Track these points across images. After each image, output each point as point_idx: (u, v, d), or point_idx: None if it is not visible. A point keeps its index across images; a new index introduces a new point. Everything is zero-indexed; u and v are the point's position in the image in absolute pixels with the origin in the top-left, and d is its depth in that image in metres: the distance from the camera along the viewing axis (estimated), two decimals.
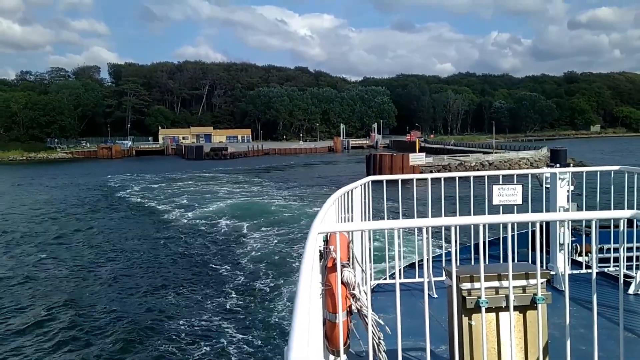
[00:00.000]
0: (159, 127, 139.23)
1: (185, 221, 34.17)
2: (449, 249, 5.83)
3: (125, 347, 14.12)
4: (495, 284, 3.49)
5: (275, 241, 26.89)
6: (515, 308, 3.47)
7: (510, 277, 3.35)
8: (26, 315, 16.83)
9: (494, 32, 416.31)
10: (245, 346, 13.79)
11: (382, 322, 3.58)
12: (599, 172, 7.05)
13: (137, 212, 39.36)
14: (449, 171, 55.27)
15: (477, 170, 57.78)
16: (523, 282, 3.52)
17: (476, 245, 6.36)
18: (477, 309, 3.44)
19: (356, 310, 3.49)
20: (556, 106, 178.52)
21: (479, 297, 3.40)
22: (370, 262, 5.60)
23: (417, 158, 56.16)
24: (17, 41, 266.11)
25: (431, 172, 54.31)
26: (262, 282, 19.90)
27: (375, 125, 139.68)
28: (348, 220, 5.32)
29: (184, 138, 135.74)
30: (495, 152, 65.80)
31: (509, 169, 57.54)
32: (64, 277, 21.57)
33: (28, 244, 28.35)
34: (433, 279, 5.98)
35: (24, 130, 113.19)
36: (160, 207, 40.99)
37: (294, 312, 2.22)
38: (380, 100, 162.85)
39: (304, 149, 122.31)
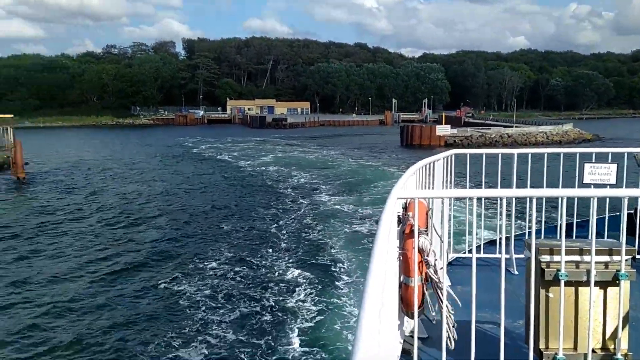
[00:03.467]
0: (227, 99, 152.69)
1: (248, 168, 45.82)
2: (538, 228, 6.08)
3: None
4: (577, 258, 3.37)
5: (318, 181, 37.35)
6: (596, 283, 3.31)
7: (593, 251, 3.22)
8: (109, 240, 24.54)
9: (573, 4, 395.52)
10: (314, 299, 14.38)
11: (452, 292, 3.68)
12: None
13: (208, 162, 51.46)
14: (470, 142, 63.99)
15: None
16: (606, 258, 3.35)
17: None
18: (555, 282, 3.34)
19: (431, 278, 3.65)
20: (615, 85, 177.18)
21: (559, 270, 3.30)
22: (448, 231, 5.61)
23: (442, 129, 65.04)
24: (95, 13, 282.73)
25: (454, 141, 63.18)
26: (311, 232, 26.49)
27: (425, 100, 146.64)
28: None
29: (249, 109, 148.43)
30: (516, 127, 73.08)
31: (526, 142, 65.17)
32: (149, 202, 33.52)
33: (125, 179, 40.81)
34: (515, 255, 5.79)
35: (114, 99, 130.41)
36: (227, 158, 53.17)
37: (368, 274, 2.28)
38: (434, 77, 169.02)
39: (356, 121, 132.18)
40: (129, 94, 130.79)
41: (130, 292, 15.26)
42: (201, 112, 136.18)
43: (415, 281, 3.50)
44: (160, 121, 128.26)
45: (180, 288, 15.50)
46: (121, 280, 16.38)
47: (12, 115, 50.81)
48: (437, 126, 65.48)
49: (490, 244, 6.74)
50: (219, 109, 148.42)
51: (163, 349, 11.69)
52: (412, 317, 3.59)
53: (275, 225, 23.78)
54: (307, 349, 11.91)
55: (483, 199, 5.20)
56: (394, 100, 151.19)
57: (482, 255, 6.08)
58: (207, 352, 11.64)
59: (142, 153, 59.53)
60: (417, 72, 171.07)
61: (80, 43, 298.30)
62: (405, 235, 3.55)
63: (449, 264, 5.90)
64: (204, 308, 14.04)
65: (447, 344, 3.49)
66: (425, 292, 3.79)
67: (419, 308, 3.57)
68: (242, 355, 11.55)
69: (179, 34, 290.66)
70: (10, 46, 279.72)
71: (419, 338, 3.67)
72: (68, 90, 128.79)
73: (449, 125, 69.22)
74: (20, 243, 20.67)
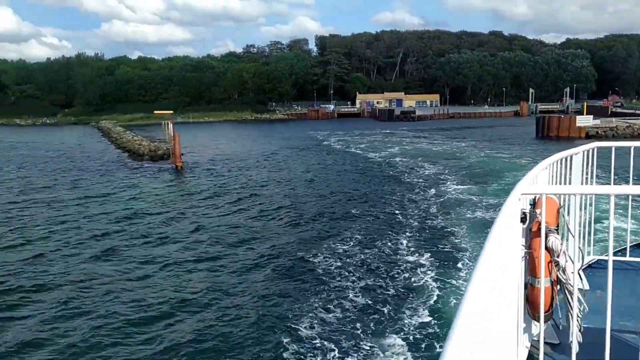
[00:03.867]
0: (357, 93, 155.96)
1: (375, 159, 47.59)
2: None
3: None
4: None
5: (445, 172, 37.91)
6: None
7: None
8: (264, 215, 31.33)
9: None
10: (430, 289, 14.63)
11: (585, 296, 3.37)
12: None
13: (338, 153, 54.09)
14: (616, 133, 59.20)
15: None
16: None
17: None
18: None
19: (561, 280, 3.39)
20: None
21: None
22: (587, 232, 5.25)
23: (583, 120, 60.89)
24: (236, 15, 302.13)
25: (597, 133, 58.92)
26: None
27: (567, 89, 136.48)
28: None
29: (378, 102, 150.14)
30: None
31: None
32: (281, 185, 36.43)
33: (264, 167, 44.57)
34: None
35: (253, 95, 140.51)
36: (355, 150, 55.40)
37: (475, 268, 2.15)
38: (578, 64, 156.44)
39: (488, 113, 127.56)
40: (266, 90, 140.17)
41: (276, 262, 17.79)
42: (332, 107, 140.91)
43: (542, 282, 3.32)
44: (294, 116, 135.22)
45: (316, 260, 17.72)
46: (267, 251, 19.02)
47: (172, 112, 57.81)
48: (577, 116, 61.55)
49: (639, 247, 6.04)
50: (348, 103, 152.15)
51: (306, 308, 13.83)
52: (538, 320, 3.41)
53: (401, 212, 25.20)
54: (424, 320, 13.20)
55: (630, 197, 4.54)
56: (531, 90, 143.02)
57: (628, 258, 5.47)
58: (340, 316, 13.51)
59: (278, 145, 64.06)
60: (558, 60, 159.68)
61: (223, 44, 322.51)
62: (532, 233, 3.40)
63: (589, 266, 5.44)
64: (338, 278, 16.03)
65: (577, 351, 3.23)
66: (555, 295, 3.59)
67: (547, 311, 3.39)
68: (368, 320, 13.23)
69: (311, 31, 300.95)
70: (163, 49, 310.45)
71: (549, 344, 3.50)
72: (213, 88, 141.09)
73: (591, 116, 64.58)
74: (183, 218, 24.51)
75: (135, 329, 12.54)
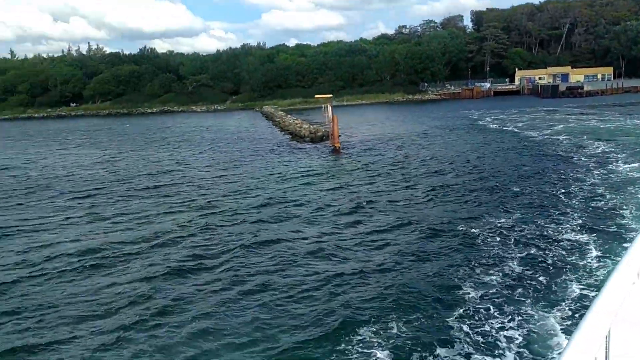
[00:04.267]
0: (516, 69, 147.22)
1: (536, 138, 45.86)
2: None
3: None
4: None
5: (616, 150, 35.36)
6: None
7: None
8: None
9: None
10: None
11: None
12: None
13: (493, 132, 52.82)
14: None
15: None
16: None
17: None
18: None
19: None
20: None
21: None
22: None
23: None
24: None
25: None
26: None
27: None
28: None
29: (540, 78, 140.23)
30: None
31: None
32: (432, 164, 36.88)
33: (418, 146, 45.31)
34: None
35: (405, 76, 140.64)
36: (513, 129, 53.65)
37: (625, 254, 1.95)
38: None
39: None
40: (418, 70, 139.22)
41: (439, 233, 19.27)
42: (487, 85, 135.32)
43: None
44: (447, 96, 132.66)
45: (475, 231, 18.80)
46: (428, 223, 20.50)
47: (331, 96, 61.22)
48: None
49: None
50: (506, 80, 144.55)
51: (469, 272, 15.15)
52: None
53: (563, 190, 24.79)
54: (584, 294, 13.54)
55: None
56: None
57: None
58: (501, 281, 14.51)
59: (429, 125, 64.18)
60: None
61: (375, 26, 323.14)
62: None
63: None
64: (496, 250, 16.96)
65: None
66: None
67: None
68: (527, 287, 14.05)
69: (466, 6, 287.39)
70: (318, 35, 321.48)
71: None
72: (366, 71, 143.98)
73: None
74: (347, 192, 26.95)
75: (310, 286, 14.87)
